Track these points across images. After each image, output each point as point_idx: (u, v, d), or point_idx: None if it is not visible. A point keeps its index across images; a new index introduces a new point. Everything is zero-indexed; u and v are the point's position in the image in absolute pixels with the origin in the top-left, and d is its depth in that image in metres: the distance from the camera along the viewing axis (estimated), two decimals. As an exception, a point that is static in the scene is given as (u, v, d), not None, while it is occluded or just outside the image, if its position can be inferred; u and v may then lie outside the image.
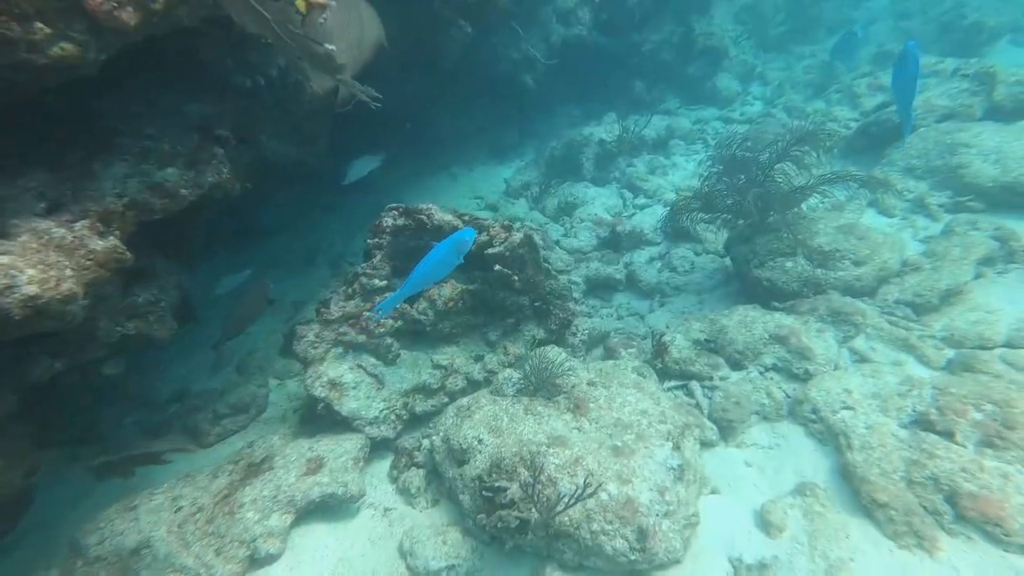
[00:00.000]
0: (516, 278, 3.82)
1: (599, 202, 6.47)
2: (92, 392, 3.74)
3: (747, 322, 3.75)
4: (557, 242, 5.73)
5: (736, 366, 3.66)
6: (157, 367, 4.83)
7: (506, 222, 3.80)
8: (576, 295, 5.23)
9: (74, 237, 1.94)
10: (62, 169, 2.19)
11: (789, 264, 4.00)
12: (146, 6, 1.87)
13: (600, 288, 5.35)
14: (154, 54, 2.67)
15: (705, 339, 3.83)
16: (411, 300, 3.88)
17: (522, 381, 3.46)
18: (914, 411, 3.00)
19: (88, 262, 1.92)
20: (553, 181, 7.43)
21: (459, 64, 6.54)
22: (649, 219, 6.21)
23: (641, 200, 6.71)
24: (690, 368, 3.68)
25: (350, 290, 3.68)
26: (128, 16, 1.80)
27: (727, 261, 5.06)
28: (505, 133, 8.71)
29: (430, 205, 3.64)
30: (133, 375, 4.47)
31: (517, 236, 3.71)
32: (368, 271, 3.69)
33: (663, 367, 3.77)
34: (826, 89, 8.21)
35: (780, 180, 4.46)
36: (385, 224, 3.67)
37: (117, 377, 3.29)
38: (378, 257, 3.71)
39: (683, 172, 7.34)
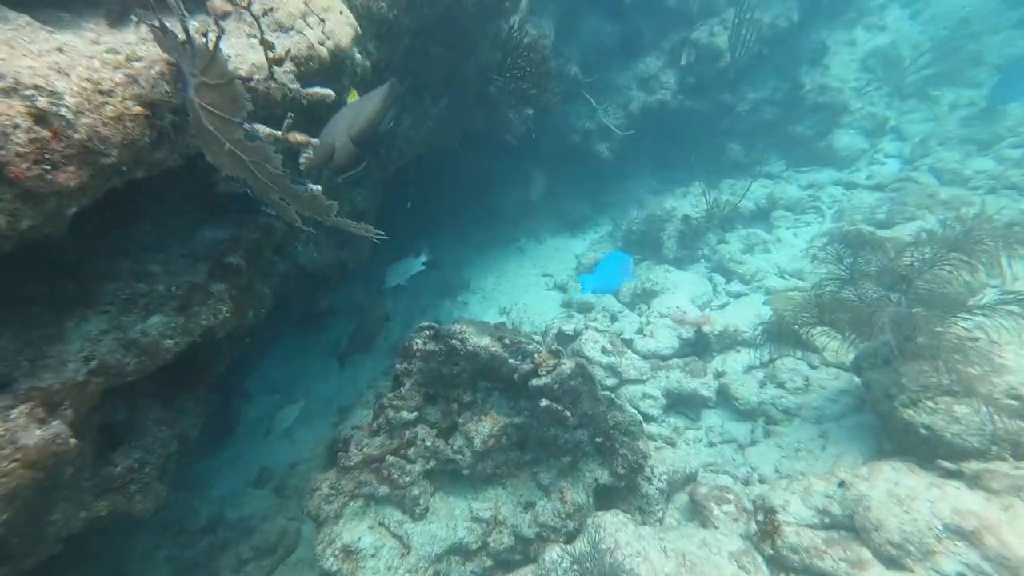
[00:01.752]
0: (569, 414, 3.21)
1: (683, 289, 5.71)
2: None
3: (902, 495, 2.77)
4: (630, 342, 5.03)
5: (892, 565, 2.67)
6: (199, 479, 4.71)
7: (555, 346, 3.23)
8: (654, 412, 4.48)
9: (4, 431, 1.68)
10: (29, 331, 1.99)
11: (962, 409, 2.98)
12: (95, 163, 1.62)
13: (685, 404, 4.55)
14: (173, 177, 2.53)
15: (836, 512, 2.91)
16: (446, 436, 3.40)
17: (575, 569, 2.77)
18: None
19: (12, 465, 1.63)
20: (634, 258, 6.80)
21: (526, 138, 6.28)
22: (745, 312, 5.33)
23: (735, 286, 5.86)
24: (817, 563, 2.74)
25: (375, 425, 3.26)
26: (68, 177, 1.55)
27: (857, 380, 4.08)
28: (578, 204, 8.28)
29: (464, 328, 3.17)
30: (174, 491, 4.37)
31: (567, 366, 3.12)
32: (395, 402, 3.26)
33: (774, 554, 2.89)
34: (995, 144, 6.90)
35: (932, 287, 3.53)
36: (415, 347, 3.25)
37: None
38: (407, 385, 3.28)
39: (789, 250, 6.38)
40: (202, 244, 2.69)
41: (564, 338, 4.89)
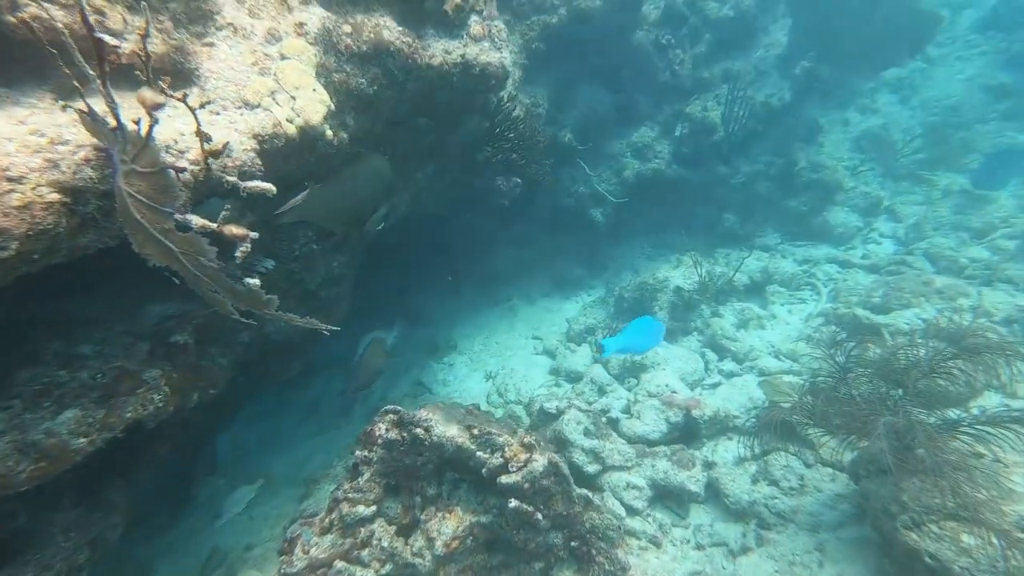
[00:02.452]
0: (540, 516, 2.91)
1: (673, 365, 5.47)
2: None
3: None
4: (616, 422, 4.75)
5: None
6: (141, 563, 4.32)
7: (527, 438, 2.97)
8: (639, 504, 4.14)
9: None
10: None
11: (970, 540, 2.68)
12: (-8, 257, 1.43)
13: (672, 497, 4.23)
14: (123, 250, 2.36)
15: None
16: (407, 533, 3.08)
17: None
18: None
19: None
20: (621, 328, 6.59)
21: (517, 201, 6.22)
22: (738, 395, 5.07)
23: (728, 365, 5.62)
24: None
25: (327, 521, 2.96)
26: (-43, 275, 1.37)
27: (855, 486, 3.79)
28: (572, 265, 8.16)
29: (430, 415, 2.93)
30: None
31: (539, 463, 2.85)
32: (351, 495, 2.97)
33: None
34: (989, 234, 6.84)
35: (933, 385, 3.31)
36: (377, 433, 2.99)
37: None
38: (366, 476, 2.99)
39: (784, 328, 6.19)
40: (149, 320, 2.50)
41: (546, 416, 4.61)
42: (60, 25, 1.50)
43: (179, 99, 1.48)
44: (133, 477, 2.77)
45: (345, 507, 2.94)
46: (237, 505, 3.83)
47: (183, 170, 1.68)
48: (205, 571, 4.12)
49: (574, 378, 6.14)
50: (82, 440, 1.96)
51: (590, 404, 5.19)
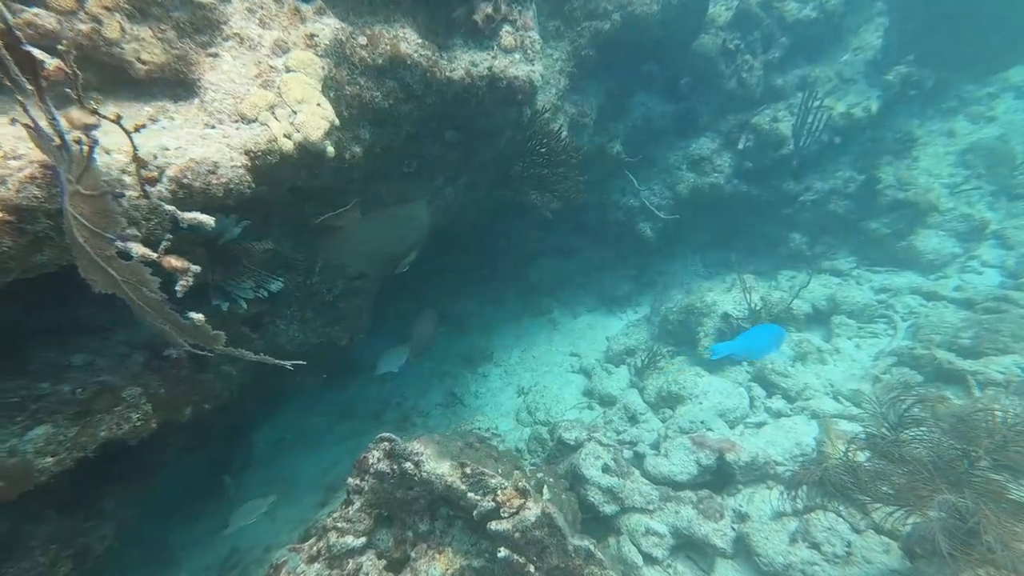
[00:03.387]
0: (533, 568, 2.67)
1: (712, 400, 5.00)
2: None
3: None
4: (642, 458, 4.38)
5: None
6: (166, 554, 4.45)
7: (522, 481, 2.73)
8: (658, 553, 3.78)
9: None
10: None
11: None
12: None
13: (695, 549, 3.83)
14: None
15: None
16: (396, 569, 2.93)
17: None
18: None
19: None
20: (665, 350, 6.16)
21: (561, 213, 5.96)
22: (784, 439, 4.54)
23: (777, 403, 5.06)
24: None
25: (314, 549, 2.86)
26: None
27: (909, 563, 3.23)
28: (619, 280, 7.76)
29: (422, 448, 2.75)
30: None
31: (532, 512, 2.60)
32: (340, 523, 2.85)
33: None
34: None
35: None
36: (371, 462, 2.86)
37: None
38: (356, 505, 2.87)
39: (848, 366, 5.51)
40: (145, 330, 2.49)
41: (564, 447, 4.33)
42: None
43: (112, 119, 1.39)
44: (134, 483, 2.80)
45: (333, 536, 2.83)
46: (245, 518, 3.85)
47: (122, 195, 1.60)
48: (223, 570, 4.20)
49: (607, 402, 5.80)
50: (48, 460, 1.95)
51: (618, 434, 4.87)
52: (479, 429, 4.98)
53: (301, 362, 1.92)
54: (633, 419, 5.24)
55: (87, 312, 2.36)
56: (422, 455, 2.73)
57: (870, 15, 7.94)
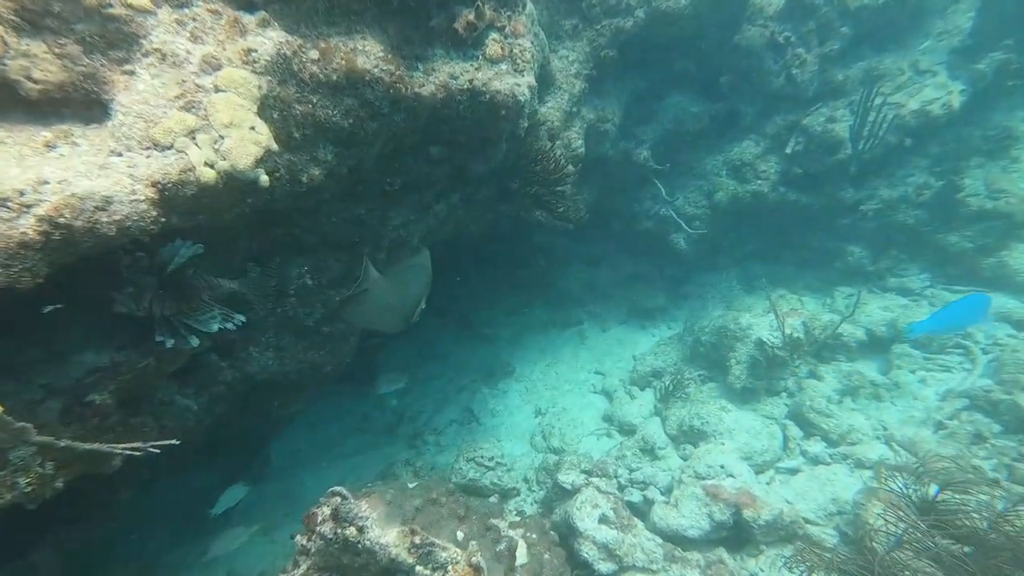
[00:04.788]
0: (483, 655, 2.29)
1: (738, 439, 4.36)
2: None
3: None
4: (651, 505, 3.86)
5: None
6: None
7: (476, 557, 2.35)
8: (656, 619, 3.29)
9: None
10: None
11: None
12: None
13: (700, 620, 3.29)
14: (69, 288, 2.22)
15: None
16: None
17: None
18: None
19: None
20: (696, 374, 5.55)
21: (590, 221, 5.50)
22: (819, 492, 3.85)
23: (815, 446, 4.34)
24: None
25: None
26: None
27: None
28: (652, 292, 7.15)
29: (367, 514, 2.42)
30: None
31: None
32: (284, 581, 2.60)
33: None
34: None
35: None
36: (319, 518, 2.58)
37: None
38: (303, 568, 2.59)
39: (908, 406, 4.66)
40: (75, 371, 2.33)
41: (560, 492, 3.90)
42: None
43: None
44: (75, 528, 2.68)
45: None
46: (224, 547, 3.72)
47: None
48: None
49: (626, 430, 5.29)
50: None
51: (631, 471, 4.37)
52: (482, 457, 4.62)
53: (153, 450, 1.63)
54: (651, 453, 4.71)
55: (13, 347, 2.22)
56: (367, 520, 2.41)
57: (956, -6, 6.79)
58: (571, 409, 5.83)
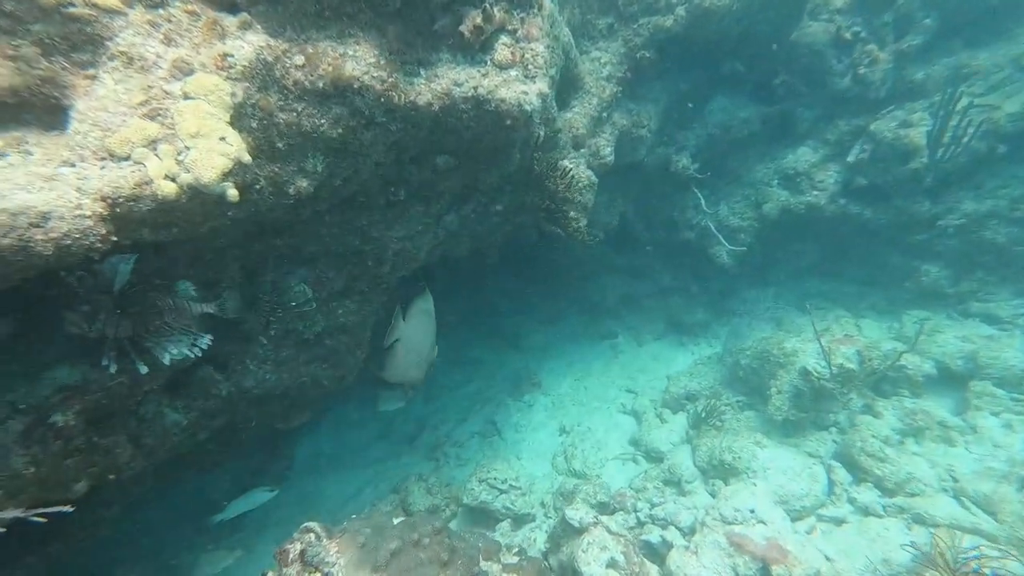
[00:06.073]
0: None
1: (773, 480, 3.80)
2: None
3: None
4: (668, 548, 3.41)
5: None
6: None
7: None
8: None
9: None
10: None
11: None
12: None
13: None
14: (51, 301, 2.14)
15: None
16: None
17: None
18: None
19: None
20: (734, 400, 5.00)
21: (616, 234, 5.08)
22: (867, 548, 3.26)
23: (866, 494, 3.70)
24: None
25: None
26: None
27: None
28: (693, 307, 6.58)
29: (335, 560, 2.17)
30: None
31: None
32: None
33: None
34: None
35: None
36: (290, 557, 2.37)
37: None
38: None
39: (987, 453, 3.90)
40: (43, 388, 2.23)
41: (567, 529, 3.52)
42: None
43: None
44: (53, 546, 2.62)
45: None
46: (209, 569, 3.63)
47: None
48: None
49: (653, 457, 4.82)
50: None
51: (652, 506, 3.93)
52: (496, 479, 4.33)
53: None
54: (677, 486, 4.24)
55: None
56: (333, 567, 2.17)
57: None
58: (597, 429, 5.43)
